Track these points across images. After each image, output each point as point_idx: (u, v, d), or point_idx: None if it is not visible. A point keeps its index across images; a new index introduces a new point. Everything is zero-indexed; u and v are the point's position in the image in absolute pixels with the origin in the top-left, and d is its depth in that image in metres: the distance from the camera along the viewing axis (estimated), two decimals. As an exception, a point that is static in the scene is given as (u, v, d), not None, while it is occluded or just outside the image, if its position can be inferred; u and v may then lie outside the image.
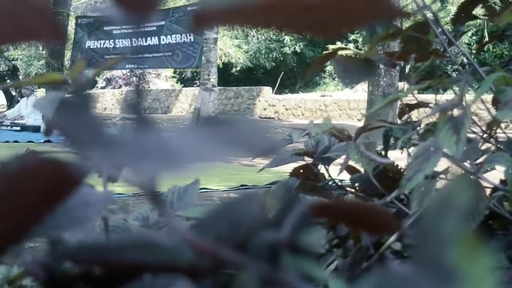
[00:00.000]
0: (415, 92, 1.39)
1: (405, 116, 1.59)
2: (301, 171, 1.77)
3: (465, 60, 1.42)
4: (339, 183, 1.68)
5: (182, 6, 13.74)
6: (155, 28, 13.85)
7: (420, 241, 0.33)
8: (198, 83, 24.89)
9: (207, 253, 0.43)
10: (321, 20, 0.39)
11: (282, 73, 25.13)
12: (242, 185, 3.71)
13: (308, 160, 1.72)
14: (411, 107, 1.60)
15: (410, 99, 1.50)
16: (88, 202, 0.62)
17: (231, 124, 0.37)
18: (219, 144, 0.34)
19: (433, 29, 1.33)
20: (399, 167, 1.47)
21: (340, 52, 1.56)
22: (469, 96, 1.16)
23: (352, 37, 25.08)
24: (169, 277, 0.48)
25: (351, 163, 1.53)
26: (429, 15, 1.32)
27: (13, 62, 20.50)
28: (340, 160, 1.66)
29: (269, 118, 19.99)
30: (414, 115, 1.59)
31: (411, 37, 1.43)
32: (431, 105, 1.49)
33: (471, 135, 1.15)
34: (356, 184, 1.61)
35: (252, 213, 0.48)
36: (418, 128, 1.46)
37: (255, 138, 0.35)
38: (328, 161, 1.69)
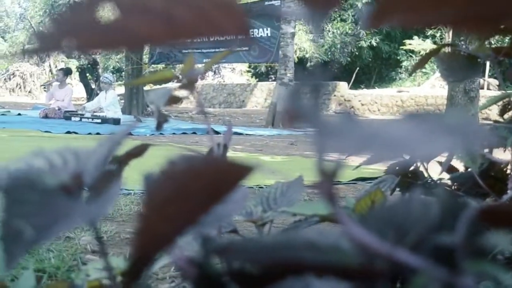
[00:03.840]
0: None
1: (511, 113, 1.54)
2: (397, 168, 1.74)
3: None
4: (438, 182, 1.64)
5: (259, 1, 13.72)
6: (232, 23, 13.87)
7: None
8: (274, 78, 24.92)
9: (380, 255, 0.41)
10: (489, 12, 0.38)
11: (358, 68, 24.88)
12: (325, 181, 3.68)
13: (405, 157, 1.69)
14: (517, 105, 1.54)
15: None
16: (229, 199, 0.62)
17: (441, 118, 0.36)
18: (441, 136, 0.33)
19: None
20: (503, 166, 1.43)
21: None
22: None
23: (429, 32, 24.59)
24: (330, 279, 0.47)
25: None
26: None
27: (93, 56, 20.95)
28: (438, 158, 1.62)
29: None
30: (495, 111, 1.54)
31: (522, 32, 1.37)
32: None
33: None
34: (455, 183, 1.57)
35: (417, 215, 0.46)
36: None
37: (474, 132, 0.34)
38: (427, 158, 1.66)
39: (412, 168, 1.66)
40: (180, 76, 1.04)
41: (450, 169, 1.63)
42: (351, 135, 0.35)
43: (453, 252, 0.42)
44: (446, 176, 1.61)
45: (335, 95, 20.79)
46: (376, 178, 3.90)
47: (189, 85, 1.02)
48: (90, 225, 0.53)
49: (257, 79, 27.98)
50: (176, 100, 0.99)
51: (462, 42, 6.88)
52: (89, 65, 20.39)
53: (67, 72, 13.45)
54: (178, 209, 0.47)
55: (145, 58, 16.87)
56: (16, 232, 0.48)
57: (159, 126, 1.03)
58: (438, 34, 24.22)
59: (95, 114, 11.40)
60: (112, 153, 0.59)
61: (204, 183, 0.46)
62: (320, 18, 0.39)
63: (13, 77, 28.24)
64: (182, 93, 1.00)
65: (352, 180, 3.83)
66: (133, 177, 0.55)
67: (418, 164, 1.64)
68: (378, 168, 1.69)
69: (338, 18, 25.40)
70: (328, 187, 0.41)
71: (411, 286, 0.41)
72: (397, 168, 1.72)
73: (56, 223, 0.49)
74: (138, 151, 0.72)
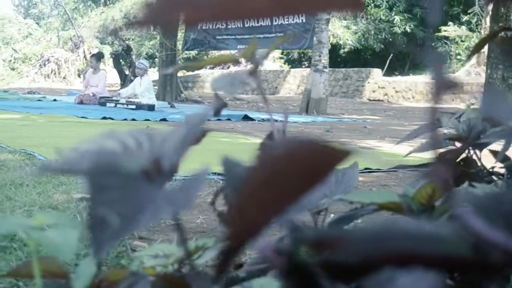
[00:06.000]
0: None
1: None
2: (447, 156, 1.71)
3: None
4: (491, 170, 1.61)
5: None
6: (266, 9, 13.79)
7: None
8: (306, 64, 24.80)
9: (495, 245, 0.39)
10: None
11: (392, 54, 24.63)
12: (366, 169, 3.64)
13: (455, 145, 1.65)
14: None
15: None
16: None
17: None
18: None
19: None
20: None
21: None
22: None
23: (465, 18, 24.25)
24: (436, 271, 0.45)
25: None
26: None
27: (126, 42, 21.05)
28: (491, 146, 1.59)
29: (378, 100, 19.69)
30: None
31: None
32: None
33: None
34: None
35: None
36: None
37: None
38: (481, 147, 1.63)
39: (463, 156, 1.63)
40: (243, 61, 1.01)
41: (503, 158, 1.61)
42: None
43: None
44: (499, 165, 1.58)
45: (368, 82, 20.64)
46: (417, 165, 3.83)
47: (253, 70, 0.99)
48: (174, 215, 0.51)
49: (290, 66, 27.88)
50: (243, 85, 0.96)
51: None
52: (122, 51, 20.46)
53: (99, 56, 13.51)
54: (272, 196, 0.44)
55: (178, 45, 16.90)
56: (102, 220, 0.46)
57: (217, 113, 1.01)
58: (473, 21, 23.87)
59: (129, 100, 11.45)
60: (191, 138, 0.57)
61: (300, 168, 0.43)
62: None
63: (48, 63, 28.46)
64: (248, 79, 0.97)
65: (393, 168, 3.78)
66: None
67: (471, 152, 1.61)
68: (420, 156, 1.66)
69: (372, 4, 25.15)
70: (443, 172, 0.39)
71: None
72: (447, 156, 1.69)
73: (142, 212, 0.48)
74: (197, 138, 0.70)
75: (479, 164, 1.59)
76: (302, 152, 0.43)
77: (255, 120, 9.47)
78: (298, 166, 0.43)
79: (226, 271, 0.51)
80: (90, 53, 26.85)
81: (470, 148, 1.60)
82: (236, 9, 0.35)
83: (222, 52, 25.14)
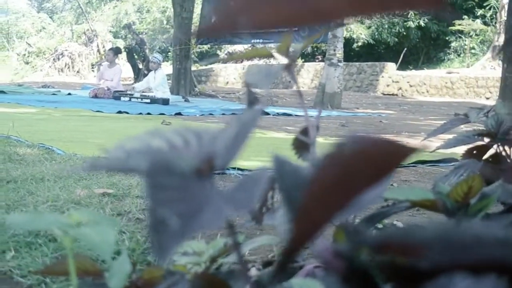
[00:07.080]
0: None
1: None
2: (475, 152, 1.69)
3: None
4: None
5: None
6: (281, 3, 13.75)
7: None
8: (320, 58, 24.71)
9: None
10: None
11: (405, 48, 24.51)
12: (385, 164, 3.62)
13: (482, 141, 1.63)
14: None
15: None
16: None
17: None
18: None
19: None
20: None
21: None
22: None
23: (480, 12, 24.10)
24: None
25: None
26: None
27: (140, 36, 21.07)
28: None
29: (392, 94, 19.61)
30: None
31: None
32: None
33: None
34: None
35: None
36: None
37: None
38: (510, 143, 1.61)
39: (492, 152, 1.61)
40: (277, 55, 1.00)
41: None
42: None
43: None
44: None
45: (382, 76, 20.56)
46: (436, 161, 3.82)
47: (289, 64, 0.98)
48: (236, 216, 0.50)
49: (303, 60, 27.82)
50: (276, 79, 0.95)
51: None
52: (136, 45, 20.48)
53: (116, 51, 13.54)
54: (339, 195, 0.43)
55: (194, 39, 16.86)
56: (163, 222, 0.45)
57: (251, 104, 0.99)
58: (488, 14, 23.72)
59: (144, 94, 11.46)
60: (245, 135, 0.56)
61: (367, 165, 0.42)
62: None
63: (62, 57, 28.49)
64: (282, 73, 0.96)
65: (412, 163, 3.76)
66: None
67: (500, 148, 1.60)
68: (438, 152, 1.64)
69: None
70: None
71: None
72: (474, 152, 1.68)
73: (203, 213, 0.46)
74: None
75: (508, 160, 1.57)
76: (371, 149, 0.42)
77: (270, 114, 9.44)
78: (366, 163, 0.42)
79: (286, 271, 0.50)
80: (104, 47, 26.90)
81: (499, 144, 1.58)
82: (307, 12, 0.33)
83: (235, 46, 25.02)
